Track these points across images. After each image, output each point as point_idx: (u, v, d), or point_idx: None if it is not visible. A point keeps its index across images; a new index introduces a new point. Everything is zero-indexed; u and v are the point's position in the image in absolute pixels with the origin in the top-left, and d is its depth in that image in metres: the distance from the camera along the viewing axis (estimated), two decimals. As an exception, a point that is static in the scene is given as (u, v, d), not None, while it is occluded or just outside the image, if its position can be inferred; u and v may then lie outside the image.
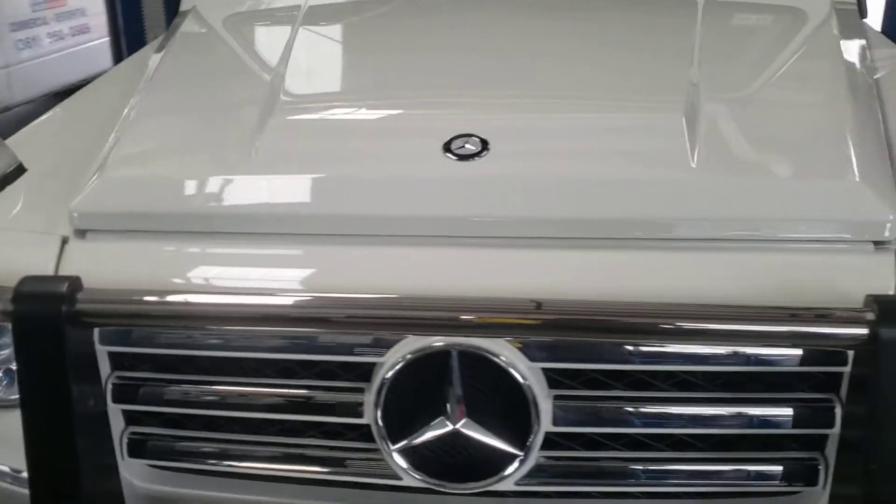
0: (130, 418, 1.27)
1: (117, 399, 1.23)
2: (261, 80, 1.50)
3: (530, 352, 1.13)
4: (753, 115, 1.31)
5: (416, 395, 1.15)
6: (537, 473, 1.18)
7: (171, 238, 1.23)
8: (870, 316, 0.99)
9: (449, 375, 1.13)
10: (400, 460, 1.17)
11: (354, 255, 1.19)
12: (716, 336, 1.05)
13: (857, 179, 1.15)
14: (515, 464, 1.16)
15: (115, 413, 1.25)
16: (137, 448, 1.26)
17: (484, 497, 1.20)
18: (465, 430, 1.15)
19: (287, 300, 1.11)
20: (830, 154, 1.21)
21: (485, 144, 1.23)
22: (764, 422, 1.11)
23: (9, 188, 1.41)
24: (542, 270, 1.15)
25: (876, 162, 1.20)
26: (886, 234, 1.13)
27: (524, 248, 1.17)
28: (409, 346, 1.13)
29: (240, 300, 1.11)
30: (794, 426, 1.10)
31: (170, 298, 1.12)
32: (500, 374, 1.13)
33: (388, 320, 1.11)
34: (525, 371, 1.13)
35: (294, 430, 1.23)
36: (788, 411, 1.10)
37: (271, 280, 1.18)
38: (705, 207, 1.15)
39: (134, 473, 1.28)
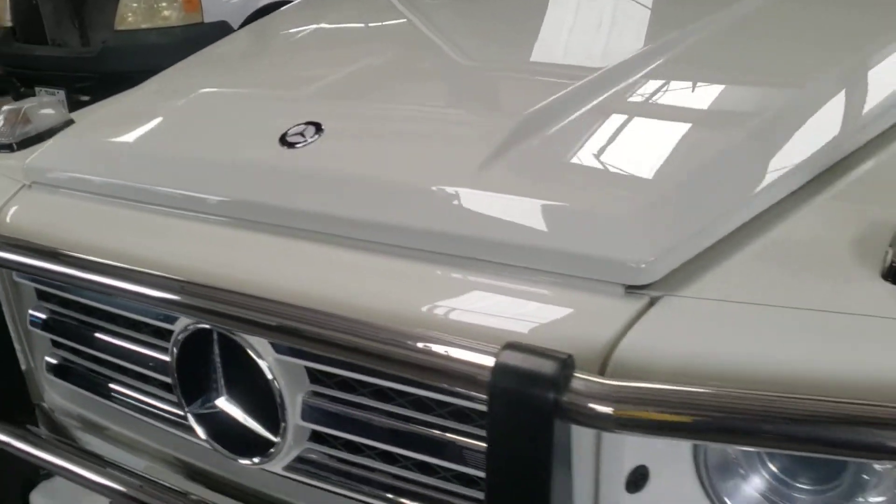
0: (55, 342, 1.51)
1: (34, 325, 1.47)
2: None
3: (280, 345, 1.14)
4: (605, 123, 1.13)
5: (197, 365, 1.23)
6: (304, 464, 1.20)
7: (86, 198, 1.42)
8: (487, 360, 0.86)
9: (212, 353, 1.19)
10: (194, 423, 1.26)
11: (176, 229, 1.28)
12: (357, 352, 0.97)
13: (621, 213, 0.97)
14: (272, 450, 1.19)
15: (42, 337, 1.51)
16: (55, 369, 1.50)
17: (273, 474, 1.23)
18: (224, 409, 1.21)
19: (92, 264, 1.24)
20: (625, 180, 1.02)
21: (318, 131, 1.24)
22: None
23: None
24: (303, 265, 1.14)
25: (669, 197, 0.99)
26: (639, 278, 0.95)
27: (303, 240, 1.16)
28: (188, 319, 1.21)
29: (64, 259, 1.27)
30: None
31: (26, 250, 1.32)
32: (251, 363, 1.16)
33: (158, 298, 1.18)
34: (272, 363, 1.14)
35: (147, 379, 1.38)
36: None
37: (124, 243, 1.31)
38: (473, 224, 1.05)
39: (56, 391, 1.53)
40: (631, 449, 0.92)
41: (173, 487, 1.28)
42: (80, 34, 6.02)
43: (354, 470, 1.17)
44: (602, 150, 1.09)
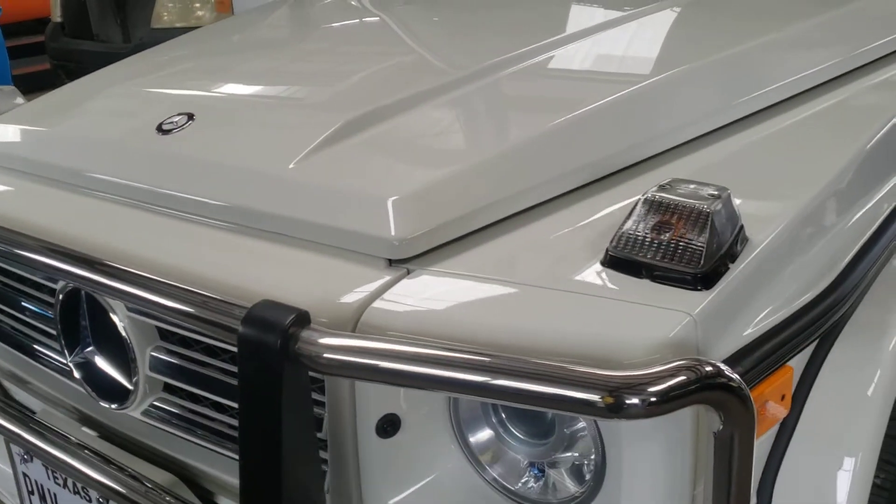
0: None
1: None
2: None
3: (132, 305, 1.31)
4: (411, 129, 1.29)
5: (76, 321, 1.41)
6: (158, 411, 1.37)
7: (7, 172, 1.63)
8: (238, 313, 1.02)
9: (82, 310, 1.38)
10: (74, 371, 1.44)
11: (70, 203, 1.46)
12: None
13: (389, 200, 1.12)
14: (129, 398, 1.36)
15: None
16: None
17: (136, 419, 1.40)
18: (90, 359, 1.39)
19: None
20: (403, 175, 1.19)
21: (190, 119, 1.42)
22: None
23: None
24: (159, 238, 1.32)
25: (436, 189, 1.15)
26: (398, 253, 1.10)
27: (164, 214, 1.34)
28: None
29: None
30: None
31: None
32: (110, 320, 1.33)
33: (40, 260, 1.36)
34: (125, 320, 1.31)
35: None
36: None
37: (26, 213, 1.49)
38: (278, 205, 1.22)
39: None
40: (378, 398, 1.07)
41: (57, 429, 1.46)
42: (122, 31, 6.32)
43: (197, 418, 1.34)
44: (397, 150, 1.26)
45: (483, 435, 1.09)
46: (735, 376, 0.89)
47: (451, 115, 1.34)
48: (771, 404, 1.08)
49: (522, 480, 1.09)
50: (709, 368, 0.88)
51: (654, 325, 0.94)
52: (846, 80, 1.56)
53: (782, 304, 1.08)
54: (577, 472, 1.05)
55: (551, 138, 1.25)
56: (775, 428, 1.15)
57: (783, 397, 1.11)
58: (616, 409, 0.86)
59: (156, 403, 1.37)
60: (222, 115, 1.47)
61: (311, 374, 1.07)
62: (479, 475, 1.10)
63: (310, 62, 1.69)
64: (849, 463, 1.14)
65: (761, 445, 1.14)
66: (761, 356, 1.02)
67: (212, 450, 1.31)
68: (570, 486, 1.05)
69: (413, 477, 1.11)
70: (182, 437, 1.35)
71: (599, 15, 1.74)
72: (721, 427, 0.91)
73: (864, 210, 1.28)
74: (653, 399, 0.86)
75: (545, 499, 1.08)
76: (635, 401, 0.86)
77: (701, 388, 0.87)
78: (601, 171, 1.25)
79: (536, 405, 0.94)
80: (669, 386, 0.86)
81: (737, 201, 1.06)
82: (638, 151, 1.29)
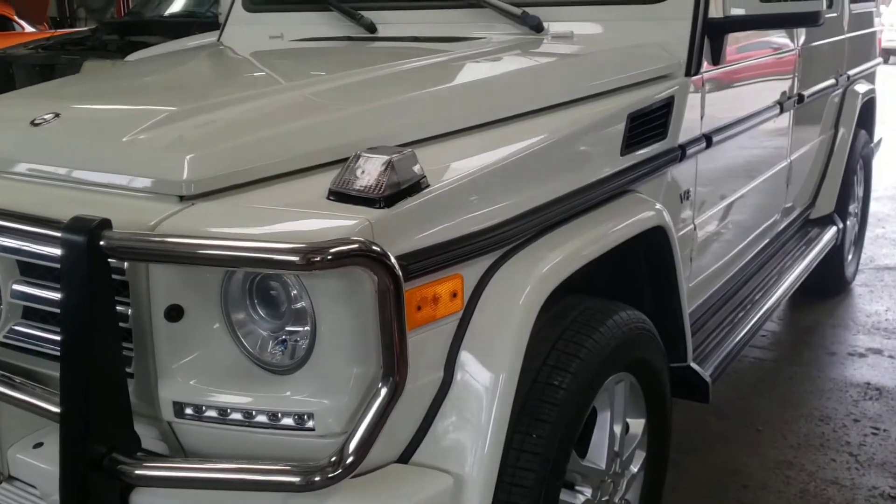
0: None
1: None
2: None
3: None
4: (219, 118, 1.79)
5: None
6: (17, 335, 1.77)
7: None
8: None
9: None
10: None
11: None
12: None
13: (182, 157, 1.60)
14: (-6, 322, 1.77)
15: None
16: None
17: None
18: (-35, 294, 1.81)
19: None
20: (196, 142, 1.68)
21: (56, 116, 1.88)
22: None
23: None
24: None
25: (216, 150, 1.64)
26: (184, 192, 1.57)
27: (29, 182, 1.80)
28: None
29: None
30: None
31: None
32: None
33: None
34: (-10, 257, 1.74)
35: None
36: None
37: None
38: (107, 167, 1.69)
39: None
40: (166, 292, 1.51)
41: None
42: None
43: (46, 335, 1.75)
44: (198, 131, 1.75)
45: (241, 316, 1.54)
46: (389, 253, 1.37)
47: (241, 113, 1.85)
48: (443, 297, 1.57)
49: (269, 350, 1.54)
50: (374, 247, 1.37)
51: (345, 226, 1.43)
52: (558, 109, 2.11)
53: (449, 230, 1.58)
54: (296, 347, 1.52)
55: (308, 128, 1.77)
56: (457, 321, 1.62)
57: (455, 295, 1.59)
58: (310, 263, 1.33)
59: (14, 328, 1.77)
60: (82, 114, 1.94)
61: (118, 277, 1.53)
62: (238, 347, 1.54)
63: (160, 84, 2.21)
64: (502, 350, 1.62)
65: (444, 334, 1.61)
66: (427, 259, 1.51)
67: (55, 356, 1.72)
68: (297, 350, 1.51)
69: (193, 351, 1.54)
70: (34, 352, 1.76)
71: (372, 61, 2.28)
72: (377, 284, 1.38)
73: (532, 187, 1.81)
74: (329, 257, 1.34)
75: (283, 362, 1.53)
76: (318, 258, 1.33)
77: (360, 255, 1.35)
78: (349, 152, 1.75)
79: (266, 267, 1.43)
80: (340, 250, 1.34)
81: (432, 165, 1.59)
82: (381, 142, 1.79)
